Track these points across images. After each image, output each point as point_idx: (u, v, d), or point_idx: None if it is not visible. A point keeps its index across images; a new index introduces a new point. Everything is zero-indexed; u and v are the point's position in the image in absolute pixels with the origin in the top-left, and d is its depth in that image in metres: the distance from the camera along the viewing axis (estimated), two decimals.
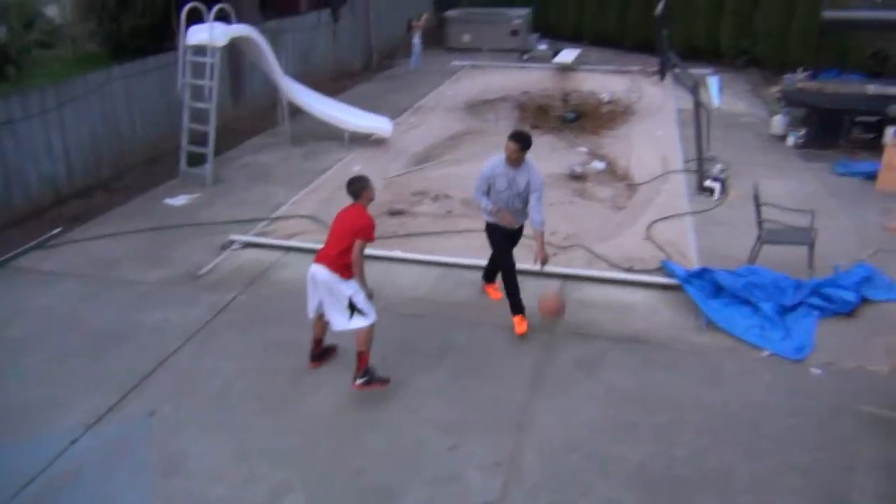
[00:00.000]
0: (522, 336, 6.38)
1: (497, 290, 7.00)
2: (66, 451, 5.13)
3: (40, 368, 6.09)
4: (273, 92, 12.24)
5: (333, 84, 16.01)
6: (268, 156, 11.55)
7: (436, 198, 9.71)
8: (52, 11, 17.42)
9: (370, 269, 7.66)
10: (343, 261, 5.38)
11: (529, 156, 6.26)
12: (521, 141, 6.11)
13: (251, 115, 13.43)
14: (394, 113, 13.42)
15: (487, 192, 6.31)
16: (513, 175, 6.15)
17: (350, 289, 5.42)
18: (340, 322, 5.50)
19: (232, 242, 8.28)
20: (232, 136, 12.12)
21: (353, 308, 5.42)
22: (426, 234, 8.55)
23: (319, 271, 5.45)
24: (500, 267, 6.58)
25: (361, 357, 5.54)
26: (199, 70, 10.45)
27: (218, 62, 10.35)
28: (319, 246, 7.96)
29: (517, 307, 6.46)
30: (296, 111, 12.04)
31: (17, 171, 9.09)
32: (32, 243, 8.31)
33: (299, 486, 4.81)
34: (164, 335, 6.53)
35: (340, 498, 4.73)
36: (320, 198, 9.69)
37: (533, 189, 6.14)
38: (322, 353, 6.04)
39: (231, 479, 4.88)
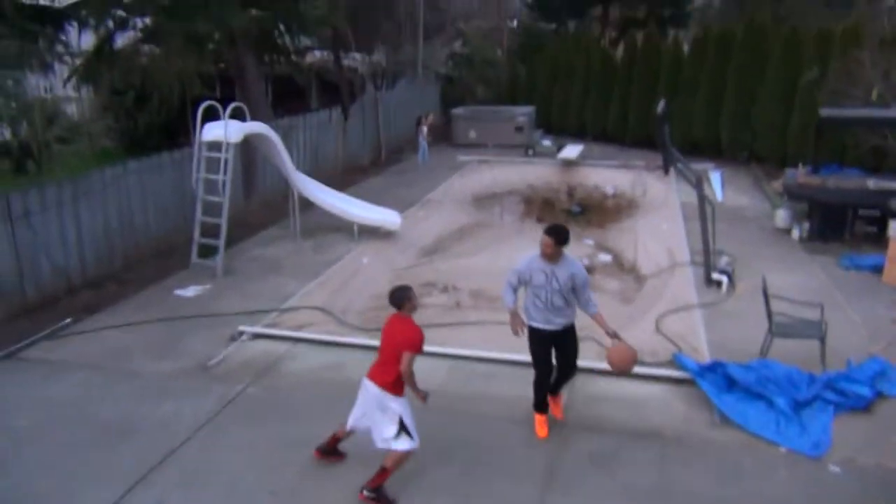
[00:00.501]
0: (543, 439, 6.24)
1: (559, 408, 6.56)
2: None
3: (47, 459, 6.00)
4: (284, 185, 12.51)
5: (343, 178, 16.37)
6: (278, 248, 11.70)
7: (444, 289, 9.78)
8: (70, 109, 18.08)
9: None
10: (393, 375, 5.28)
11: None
12: (557, 235, 5.80)
13: (262, 208, 13.68)
14: (402, 206, 13.66)
15: (516, 290, 6.09)
16: (552, 269, 5.85)
17: (401, 406, 5.33)
18: (385, 438, 5.32)
19: (242, 333, 8.30)
20: (243, 228, 12.31)
21: (401, 427, 5.30)
22: (436, 326, 8.56)
23: (371, 387, 5.37)
24: (536, 368, 6.23)
25: (383, 472, 5.36)
26: (213, 165, 10.73)
27: (232, 158, 10.64)
28: (329, 337, 8.15)
29: (541, 406, 6.30)
30: (306, 204, 12.27)
31: (30, 262, 9.20)
32: (43, 333, 8.33)
33: None
34: (172, 426, 6.45)
35: None
36: (330, 289, 9.76)
37: (580, 285, 5.88)
38: (333, 451, 5.90)
39: None
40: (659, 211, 13.92)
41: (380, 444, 5.36)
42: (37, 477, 5.77)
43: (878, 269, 10.24)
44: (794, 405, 6.52)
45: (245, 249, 11.62)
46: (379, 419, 5.34)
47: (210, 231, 10.66)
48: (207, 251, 10.63)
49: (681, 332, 8.24)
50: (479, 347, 7.82)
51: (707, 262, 10.06)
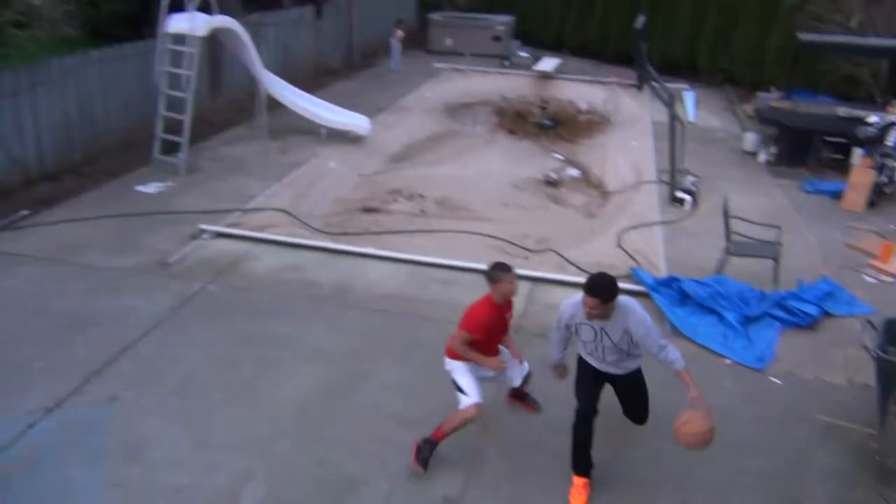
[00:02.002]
0: None
1: (582, 493, 4.78)
2: (24, 435, 5.05)
3: (1, 351, 5.99)
4: (252, 85, 12.19)
5: (313, 80, 15.94)
6: (243, 148, 11.49)
7: (410, 197, 9.73)
8: None
9: (341, 263, 7.75)
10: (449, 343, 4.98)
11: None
12: (601, 293, 4.40)
13: (228, 106, 13.33)
14: (372, 111, 13.42)
15: (566, 341, 5.05)
16: (600, 326, 4.58)
17: (449, 366, 4.99)
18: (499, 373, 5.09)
19: (203, 232, 8.23)
20: (208, 126, 12.02)
21: (455, 387, 4.93)
22: (399, 233, 8.57)
23: None
24: (577, 406, 4.83)
25: (437, 432, 4.90)
26: (177, 59, 10.37)
27: (197, 52, 10.28)
28: (291, 239, 8.12)
29: (580, 466, 4.81)
30: (274, 105, 11.99)
31: None
32: None
33: (261, 475, 4.79)
34: (129, 322, 6.46)
35: (302, 487, 4.72)
36: (294, 192, 9.67)
37: (641, 339, 4.53)
38: (523, 397, 5.63)
39: (191, 467, 4.84)
40: (630, 128, 13.86)
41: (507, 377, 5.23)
42: None
43: (837, 195, 10.39)
44: (743, 320, 6.71)
45: (209, 148, 11.39)
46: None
47: (173, 127, 10.39)
48: (170, 148, 10.39)
49: (640, 248, 8.35)
50: (441, 255, 7.87)
51: (672, 180, 10.12)
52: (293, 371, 5.89)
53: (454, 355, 4.96)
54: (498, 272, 4.84)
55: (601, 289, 4.41)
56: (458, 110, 14.68)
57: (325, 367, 5.96)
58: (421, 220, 9.01)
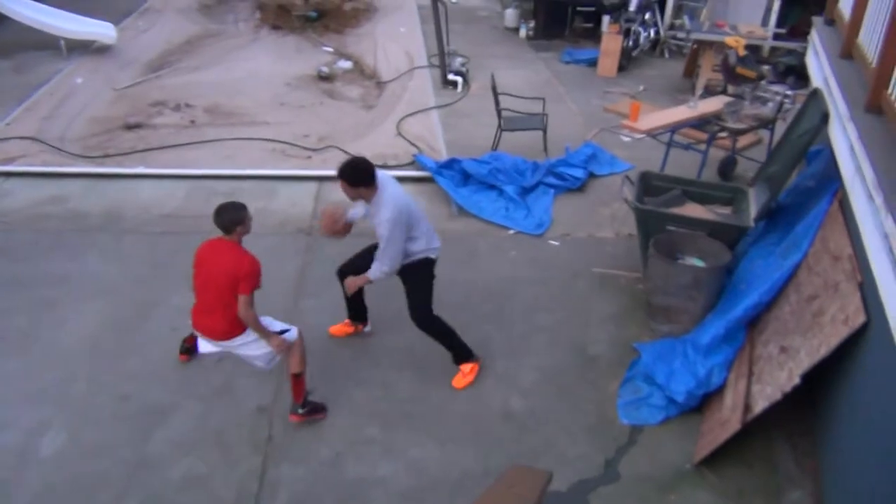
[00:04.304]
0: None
1: (346, 327, 5.41)
2: None
3: None
4: None
5: None
6: None
7: (176, 107, 9.08)
8: None
9: (109, 188, 7.18)
10: (227, 321, 4.15)
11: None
12: (342, 174, 4.38)
13: None
14: (116, 16, 12.16)
15: None
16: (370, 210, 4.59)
17: (253, 335, 4.25)
18: (265, 358, 4.37)
19: None
20: None
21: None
22: (170, 147, 8.02)
23: (208, 347, 4.37)
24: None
25: (298, 381, 4.48)
26: None
27: None
28: (47, 168, 7.36)
29: (355, 314, 5.34)
30: None
31: None
32: None
33: (59, 422, 4.49)
34: None
35: (105, 427, 4.49)
36: (40, 116, 8.65)
37: (379, 235, 4.51)
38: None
39: None
40: (396, 14, 13.74)
41: (268, 367, 4.47)
42: None
43: (593, 63, 11.13)
44: (521, 191, 7.15)
45: None
46: (245, 358, 4.41)
47: None
48: None
49: (420, 134, 8.50)
50: (219, 165, 7.53)
51: (443, 63, 10.27)
52: (75, 310, 5.47)
53: (239, 328, 4.20)
54: (238, 211, 4.17)
55: (344, 170, 4.37)
56: (214, 8, 13.69)
57: (110, 301, 5.60)
58: (192, 132, 8.47)
